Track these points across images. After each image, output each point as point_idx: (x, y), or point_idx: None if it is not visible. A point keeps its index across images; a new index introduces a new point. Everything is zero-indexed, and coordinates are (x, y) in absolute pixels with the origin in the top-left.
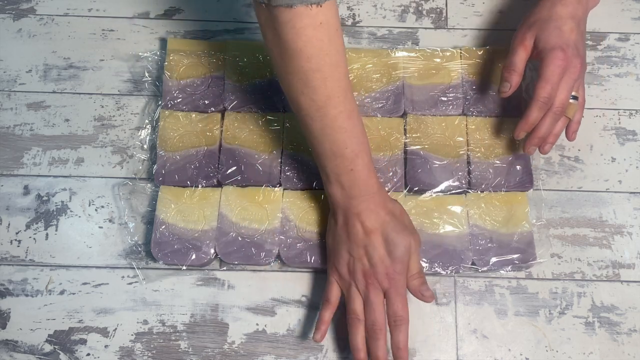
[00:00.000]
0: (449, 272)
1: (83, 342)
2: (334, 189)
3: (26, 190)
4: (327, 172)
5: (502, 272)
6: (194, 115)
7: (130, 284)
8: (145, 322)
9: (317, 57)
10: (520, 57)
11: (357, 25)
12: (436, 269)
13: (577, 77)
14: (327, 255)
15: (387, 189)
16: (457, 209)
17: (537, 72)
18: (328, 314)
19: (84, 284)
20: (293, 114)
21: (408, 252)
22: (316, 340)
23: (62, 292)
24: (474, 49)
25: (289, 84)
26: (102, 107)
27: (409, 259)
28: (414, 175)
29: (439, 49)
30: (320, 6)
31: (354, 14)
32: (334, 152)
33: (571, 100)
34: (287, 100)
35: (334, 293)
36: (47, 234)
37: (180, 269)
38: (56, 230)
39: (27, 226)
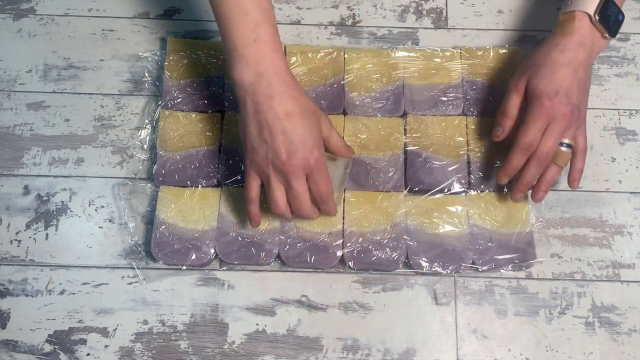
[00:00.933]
0: (449, 272)
1: (83, 342)
2: (239, 69)
3: (26, 190)
4: (230, 48)
5: (502, 272)
6: (194, 115)
7: (130, 284)
8: (145, 322)
9: None
10: (514, 103)
11: (357, 25)
12: (436, 268)
13: (568, 125)
14: (243, 149)
15: (387, 189)
16: (457, 209)
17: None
18: (254, 207)
19: (84, 284)
20: None
21: (324, 125)
22: (253, 227)
23: (62, 292)
24: (474, 49)
25: None
26: (102, 107)
27: (324, 133)
28: (414, 175)
29: (439, 49)
30: None
31: (354, 14)
32: (236, 20)
33: (563, 149)
34: None
35: (254, 188)
36: (47, 234)
37: (180, 269)
38: (56, 230)
39: (27, 226)
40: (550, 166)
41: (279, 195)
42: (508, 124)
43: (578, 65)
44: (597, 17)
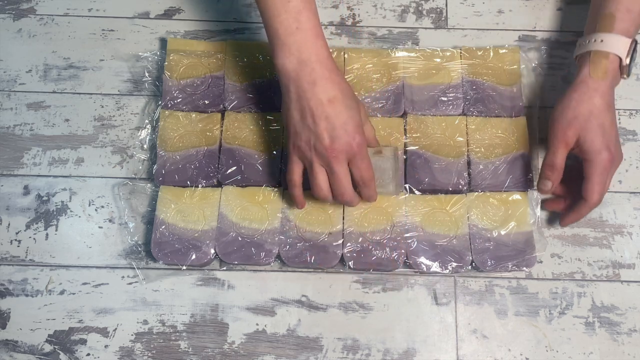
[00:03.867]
0: (449, 272)
1: (83, 342)
2: (281, 56)
3: (26, 190)
4: (272, 36)
5: (502, 272)
6: (194, 115)
7: (130, 284)
8: (145, 322)
9: None
10: (562, 157)
11: (357, 25)
12: (436, 269)
13: (617, 168)
14: (286, 134)
15: None
16: (457, 209)
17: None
18: (298, 191)
19: (84, 284)
20: None
21: (364, 114)
22: (299, 208)
23: (62, 292)
24: (474, 49)
25: None
26: (102, 107)
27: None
28: (414, 175)
29: (439, 49)
30: None
31: (354, 14)
32: (277, 8)
33: None
34: None
35: (296, 172)
36: (47, 234)
37: (180, 269)
38: (56, 230)
39: (27, 226)
40: None
41: (322, 179)
42: (557, 178)
43: (612, 104)
44: (627, 61)
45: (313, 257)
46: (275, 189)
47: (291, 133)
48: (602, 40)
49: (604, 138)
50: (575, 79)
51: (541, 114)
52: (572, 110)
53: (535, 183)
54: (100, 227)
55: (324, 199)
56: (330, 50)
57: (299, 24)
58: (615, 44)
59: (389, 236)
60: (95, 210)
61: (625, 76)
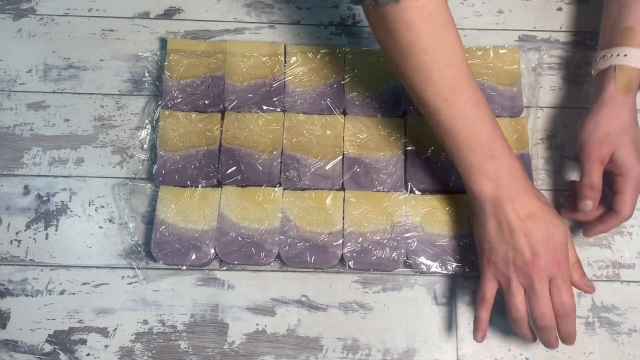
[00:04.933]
0: (449, 272)
1: (83, 342)
2: (479, 183)
3: (26, 190)
4: (467, 166)
5: None
6: (194, 115)
7: (130, 284)
8: (145, 322)
9: (432, 47)
10: (599, 175)
11: (357, 25)
12: (436, 269)
13: None
14: (478, 252)
15: (387, 189)
16: (457, 209)
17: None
18: (485, 313)
19: (84, 284)
20: (293, 114)
21: (568, 236)
22: (478, 341)
23: (62, 292)
24: (474, 48)
25: (410, 83)
26: (102, 107)
27: (568, 245)
28: (414, 175)
29: None
30: None
31: (354, 14)
32: (470, 142)
33: None
34: (414, 102)
35: (490, 289)
36: (47, 234)
37: (180, 269)
38: (56, 230)
39: (27, 226)
40: None
41: (519, 299)
42: (597, 197)
43: (638, 120)
44: None
45: (313, 257)
46: (275, 189)
47: (486, 250)
48: (625, 55)
49: (637, 152)
50: (599, 94)
51: (541, 114)
52: (603, 128)
53: (535, 183)
54: (100, 227)
55: (518, 321)
56: (330, 50)
57: (493, 152)
58: (637, 57)
59: (389, 236)
60: (95, 210)
61: None
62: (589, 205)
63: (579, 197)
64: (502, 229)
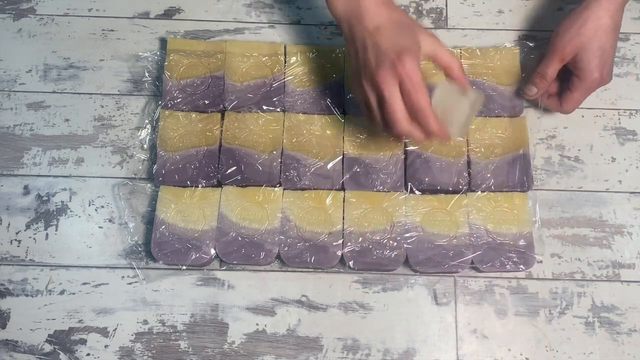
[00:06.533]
0: (449, 272)
1: (83, 342)
2: (334, 3)
3: (26, 190)
4: None
5: (501, 271)
6: (194, 115)
7: (130, 284)
8: (145, 322)
9: None
10: (554, 70)
11: None
12: (436, 268)
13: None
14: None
15: (387, 189)
16: (457, 209)
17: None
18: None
19: (84, 284)
20: (293, 114)
21: (418, 40)
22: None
23: (62, 292)
24: (474, 48)
25: None
26: (102, 107)
27: (420, 45)
28: (414, 175)
29: None
30: None
31: None
32: None
33: None
34: None
35: (372, 101)
36: (47, 234)
37: (180, 269)
38: (56, 230)
39: (27, 226)
40: None
41: (375, 107)
42: (543, 88)
43: (619, 29)
44: None
45: (313, 257)
46: (275, 189)
47: (352, 71)
48: None
49: (600, 60)
50: None
51: (541, 114)
52: (577, 27)
53: (535, 183)
54: (100, 227)
55: (377, 126)
56: (330, 50)
57: None
58: None
59: (389, 236)
60: (95, 210)
61: None
62: (533, 91)
63: (529, 81)
64: (356, 47)
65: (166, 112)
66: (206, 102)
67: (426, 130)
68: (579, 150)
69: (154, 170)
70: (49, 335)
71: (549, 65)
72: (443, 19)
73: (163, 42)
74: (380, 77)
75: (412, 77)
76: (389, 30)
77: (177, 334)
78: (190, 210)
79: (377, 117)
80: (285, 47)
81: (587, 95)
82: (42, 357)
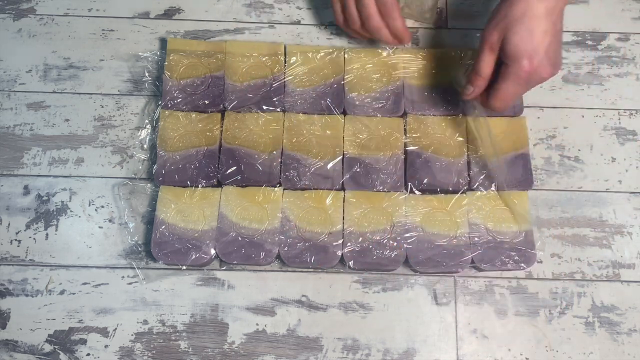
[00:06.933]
0: (449, 272)
1: (83, 342)
2: None
3: (26, 190)
4: None
5: (501, 271)
6: (194, 115)
7: (130, 284)
8: (145, 322)
9: None
10: (487, 60)
11: None
12: (436, 268)
13: (540, 82)
14: None
15: (387, 189)
16: (457, 209)
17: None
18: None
19: (84, 284)
20: (293, 114)
21: None
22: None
23: (62, 292)
24: (474, 49)
25: None
26: (102, 107)
27: None
28: (414, 175)
29: (439, 49)
30: None
31: None
32: None
33: None
34: None
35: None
36: (47, 234)
37: (180, 269)
38: (56, 230)
39: (27, 226)
40: None
41: (352, 5)
42: (481, 84)
43: (557, 16)
44: None
45: (313, 257)
46: (275, 189)
47: None
48: None
49: (529, 45)
50: None
51: (541, 114)
52: (504, 10)
53: (535, 183)
54: (100, 227)
55: (353, 25)
56: (330, 50)
57: None
58: None
59: (389, 236)
60: (95, 210)
61: None
62: (469, 89)
63: (467, 80)
64: None
65: (166, 112)
66: (206, 102)
67: (393, 28)
68: (579, 150)
69: (154, 170)
70: (49, 335)
71: (481, 58)
72: (443, 19)
73: (163, 42)
74: None
75: None
76: None
77: (177, 334)
78: (190, 210)
79: (353, 13)
80: (285, 47)
81: (518, 88)
82: (42, 357)
